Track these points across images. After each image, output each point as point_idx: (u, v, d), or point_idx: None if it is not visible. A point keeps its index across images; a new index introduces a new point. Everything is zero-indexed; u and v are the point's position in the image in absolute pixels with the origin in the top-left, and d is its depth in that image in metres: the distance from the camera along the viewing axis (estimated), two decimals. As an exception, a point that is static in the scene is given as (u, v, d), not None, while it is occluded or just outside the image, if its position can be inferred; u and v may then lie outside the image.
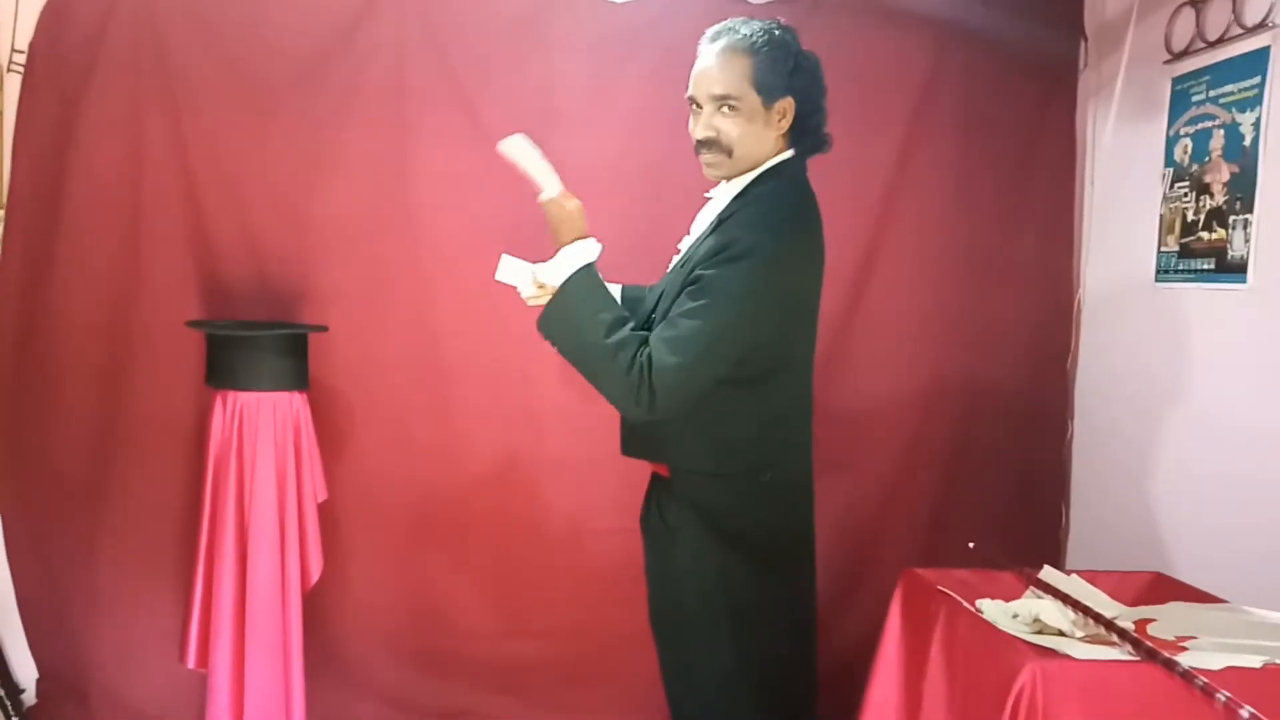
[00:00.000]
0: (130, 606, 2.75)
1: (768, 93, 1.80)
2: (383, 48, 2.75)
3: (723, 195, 1.91)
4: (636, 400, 1.73)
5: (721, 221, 1.83)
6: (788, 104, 1.82)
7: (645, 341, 1.75)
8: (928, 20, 2.83)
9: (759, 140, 1.84)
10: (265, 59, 2.71)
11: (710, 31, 1.86)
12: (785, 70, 1.80)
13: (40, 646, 2.77)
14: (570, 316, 1.80)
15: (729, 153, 1.83)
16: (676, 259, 1.95)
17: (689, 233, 1.98)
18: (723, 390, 1.79)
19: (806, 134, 1.86)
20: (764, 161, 1.85)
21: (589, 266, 1.81)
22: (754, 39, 1.80)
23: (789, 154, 1.86)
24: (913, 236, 2.91)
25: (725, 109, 1.81)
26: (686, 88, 1.88)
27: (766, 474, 1.86)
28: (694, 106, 1.87)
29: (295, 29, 2.72)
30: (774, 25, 1.83)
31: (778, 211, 1.79)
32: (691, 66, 1.86)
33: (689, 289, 1.76)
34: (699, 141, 1.86)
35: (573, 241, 1.83)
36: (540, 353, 2.74)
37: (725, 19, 1.88)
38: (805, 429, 1.96)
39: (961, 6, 2.83)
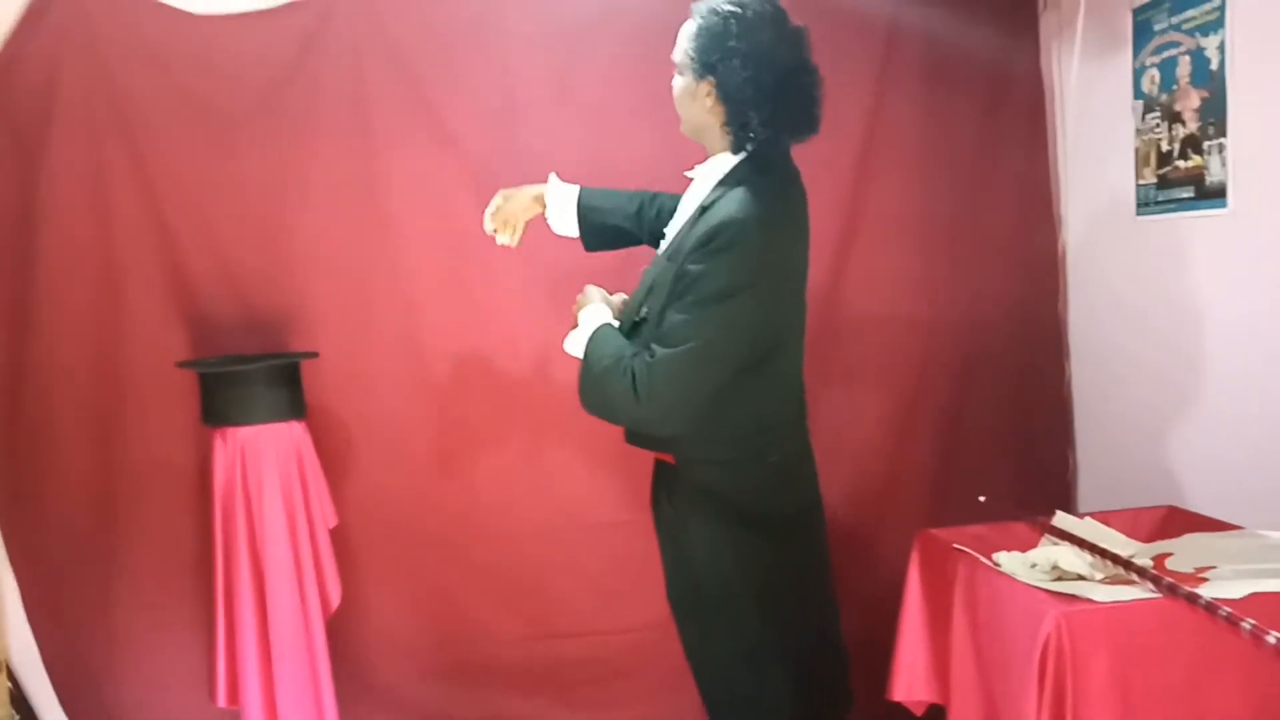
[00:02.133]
0: (152, 651, 2.75)
1: (691, 65, 1.83)
2: (339, 63, 2.71)
3: (704, 178, 1.91)
4: (636, 400, 1.74)
5: (704, 210, 1.82)
6: (709, 86, 1.80)
7: (639, 351, 1.78)
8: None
9: (695, 109, 1.85)
10: (221, 88, 2.67)
11: None
12: (709, 52, 1.79)
13: (72, 703, 2.76)
14: (589, 378, 1.85)
15: (683, 121, 1.91)
16: (664, 246, 1.95)
17: (673, 215, 2.00)
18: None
19: (743, 132, 1.80)
20: (711, 137, 1.86)
21: (596, 331, 1.89)
22: (706, 8, 1.81)
23: (736, 155, 1.84)
24: (889, 196, 2.90)
25: (677, 74, 1.88)
26: (646, 77, 1.89)
27: (774, 455, 1.88)
28: None
29: (248, 55, 2.68)
30: (744, 4, 1.78)
31: (759, 197, 1.77)
32: (648, 55, 1.87)
33: (679, 282, 1.76)
34: None
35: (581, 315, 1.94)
36: (529, 351, 2.79)
37: (683, 6, 1.88)
38: (800, 403, 1.98)
39: (916, -42, 2.81)
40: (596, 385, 1.83)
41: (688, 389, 1.75)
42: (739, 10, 1.78)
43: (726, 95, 1.78)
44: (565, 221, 2.24)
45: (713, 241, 1.73)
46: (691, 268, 1.74)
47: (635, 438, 1.98)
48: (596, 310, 1.95)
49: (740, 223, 1.73)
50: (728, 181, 1.83)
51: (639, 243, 2.25)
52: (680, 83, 1.88)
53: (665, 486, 1.99)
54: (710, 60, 1.78)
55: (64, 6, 2.58)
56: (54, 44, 2.59)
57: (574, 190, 2.23)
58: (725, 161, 1.86)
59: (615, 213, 2.20)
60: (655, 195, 2.22)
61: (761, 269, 1.75)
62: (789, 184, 1.88)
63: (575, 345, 1.93)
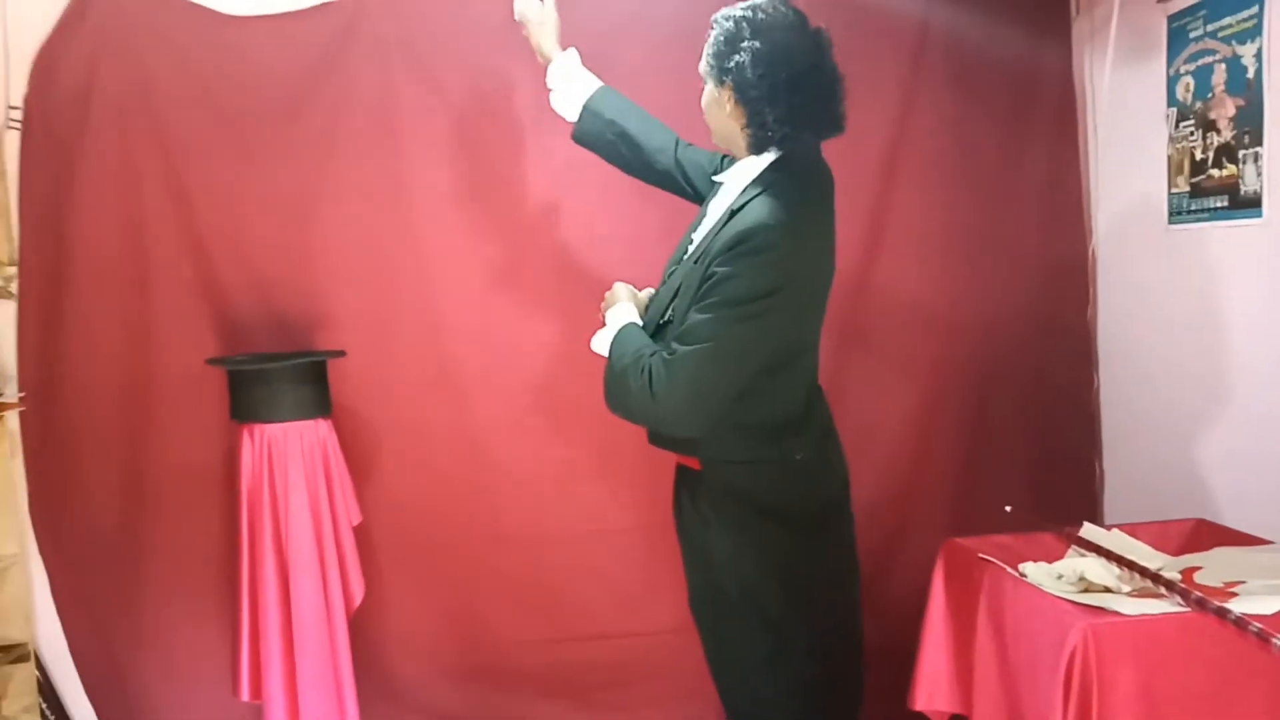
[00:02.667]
0: (178, 647, 2.78)
1: (711, 73, 1.85)
2: (366, 72, 2.74)
3: (733, 182, 1.91)
4: (652, 398, 1.75)
5: (734, 213, 1.82)
6: (728, 91, 1.82)
7: (658, 349, 1.79)
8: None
9: (721, 117, 1.87)
10: (250, 96, 2.70)
11: None
12: (725, 56, 1.81)
13: (98, 694, 2.80)
14: (613, 378, 1.87)
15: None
16: (691, 249, 1.95)
17: (702, 218, 2.00)
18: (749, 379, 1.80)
19: (762, 131, 1.80)
20: (737, 142, 1.88)
21: (621, 330, 1.90)
22: (723, 15, 1.83)
23: (766, 158, 1.85)
24: (918, 201, 2.88)
25: (705, 84, 1.90)
26: (670, 86, 1.90)
27: (799, 453, 1.88)
28: None
29: (276, 63, 2.71)
30: (757, 7, 1.81)
31: (788, 202, 1.78)
32: (671, 65, 1.89)
33: (705, 284, 1.77)
34: None
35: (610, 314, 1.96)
36: (550, 358, 2.79)
37: (707, 12, 1.90)
38: (820, 397, 1.99)
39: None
40: (618, 383, 1.83)
41: (704, 388, 1.74)
42: (750, 14, 1.81)
43: (743, 96, 1.79)
44: (565, 104, 2.30)
45: (741, 245, 1.73)
46: (718, 269, 1.74)
47: (659, 439, 1.98)
48: (623, 309, 1.95)
49: (768, 228, 1.73)
50: (756, 185, 1.83)
51: (629, 170, 2.28)
52: (706, 93, 1.90)
53: (687, 490, 1.99)
54: (726, 64, 1.81)
55: (101, 8, 2.62)
56: (92, 47, 2.63)
57: (594, 83, 2.27)
58: (753, 165, 1.87)
59: (660, 153, 2.20)
60: (689, 145, 2.22)
61: (787, 275, 1.75)
62: (817, 185, 1.88)
63: (601, 344, 1.94)
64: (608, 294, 2.04)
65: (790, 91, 1.77)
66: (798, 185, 1.82)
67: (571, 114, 2.29)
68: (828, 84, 1.83)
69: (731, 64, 1.79)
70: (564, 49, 2.32)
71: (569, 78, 2.29)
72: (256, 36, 2.70)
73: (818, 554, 1.92)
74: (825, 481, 1.96)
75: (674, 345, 1.75)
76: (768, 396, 1.84)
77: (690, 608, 2.05)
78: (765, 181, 1.82)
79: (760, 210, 1.76)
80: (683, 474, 2.01)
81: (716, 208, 1.94)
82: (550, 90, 2.33)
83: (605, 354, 1.92)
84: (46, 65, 2.64)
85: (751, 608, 1.89)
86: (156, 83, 2.67)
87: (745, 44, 1.77)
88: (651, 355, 1.78)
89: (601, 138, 2.25)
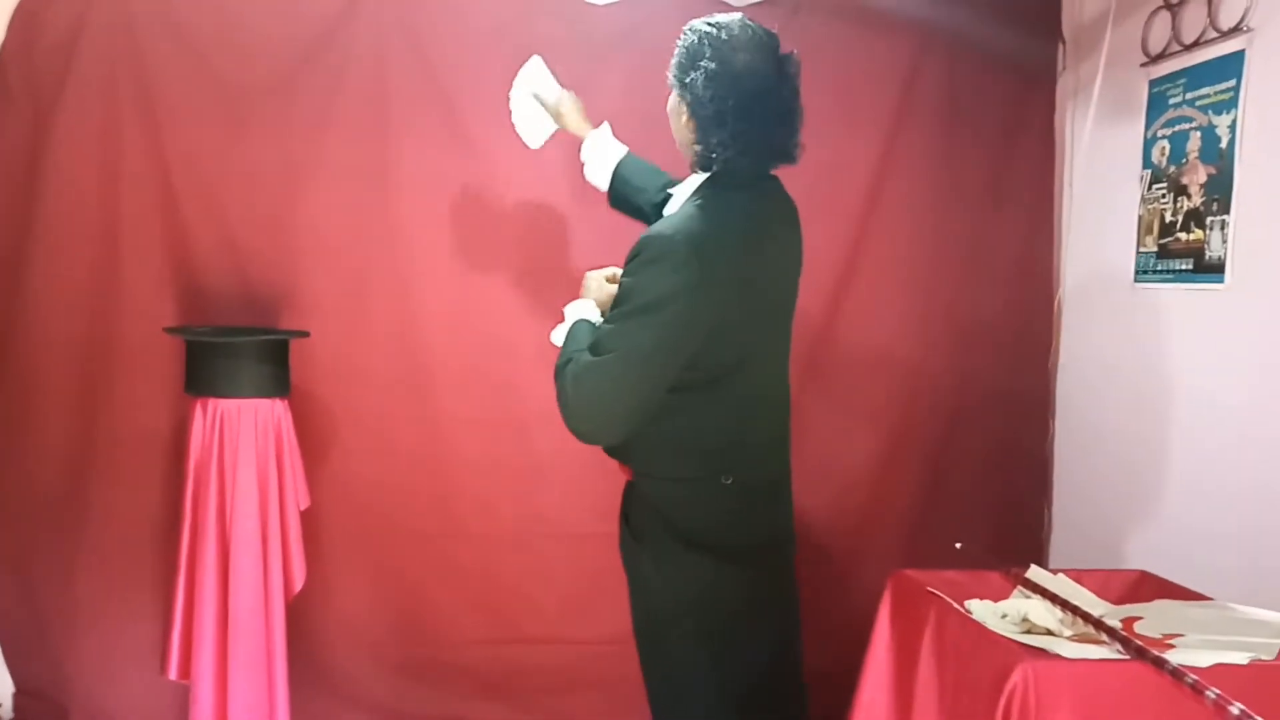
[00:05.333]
0: (109, 619, 2.71)
1: (673, 83, 1.85)
2: (362, 53, 2.72)
3: (678, 196, 1.91)
4: (562, 405, 1.75)
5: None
6: (684, 105, 1.82)
7: (576, 357, 1.78)
8: (908, 22, 2.85)
9: (678, 127, 1.87)
10: (243, 65, 2.68)
11: None
12: (682, 71, 1.81)
13: (17, 661, 2.73)
14: (556, 376, 1.83)
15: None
16: None
17: None
18: (674, 396, 1.77)
19: (705, 151, 1.79)
20: (689, 152, 1.86)
21: (573, 325, 1.89)
22: (690, 26, 1.82)
23: (705, 173, 1.84)
24: (895, 237, 2.93)
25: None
26: (663, 92, 1.90)
27: (728, 477, 1.83)
28: None
29: (273, 35, 2.69)
30: (723, 25, 1.79)
31: (702, 214, 1.77)
32: (666, 72, 1.90)
33: (619, 291, 1.78)
34: None
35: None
36: (522, 356, 2.78)
37: None
38: (769, 429, 1.93)
39: (941, 9, 2.85)
40: (557, 384, 1.80)
41: (608, 398, 1.72)
42: (715, 31, 1.78)
43: (694, 113, 1.79)
44: (598, 176, 2.29)
45: (640, 254, 1.74)
46: (624, 279, 1.76)
47: (608, 448, 1.94)
48: (580, 305, 1.93)
49: (665, 238, 1.73)
50: (691, 199, 1.83)
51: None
52: (670, 100, 1.90)
53: (628, 507, 1.97)
54: (684, 78, 1.80)
55: (92, -39, 2.58)
56: (80, 2, 2.58)
57: (620, 152, 2.26)
58: (694, 180, 1.87)
59: (642, 193, 2.20)
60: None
61: (688, 285, 1.70)
62: (750, 205, 1.83)
63: (557, 338, 1.92)
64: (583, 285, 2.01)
65: (737, 118, 1.74)
66: (724, 204, 1.78)
67: (604, 184, 2.28)
68: (781, 113, 1.80)
69: (689, 79, 1.78)
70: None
71: (601, 150, 2.28)
72: (257, 7, 2.67)
73: (744, 586, 1.86)
74: (761, 516, 1.91)
75: (585, 354, 1.75)
76: (696, 414, 1.81)
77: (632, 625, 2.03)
78: (696, 196, 1.83)
79: (666, 222, 1.79)
80: (627, 491, 1.99)
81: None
82: (584, 163, 2.32)
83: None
84: (30, 15, 2.59)
85: (677, 630, 1.86)
86: (148, 44, 2.63)
87: (703, 62, 1.76)
88: (568, 363, 1.77)
89: (630, 202, 2.24)
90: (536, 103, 2.39)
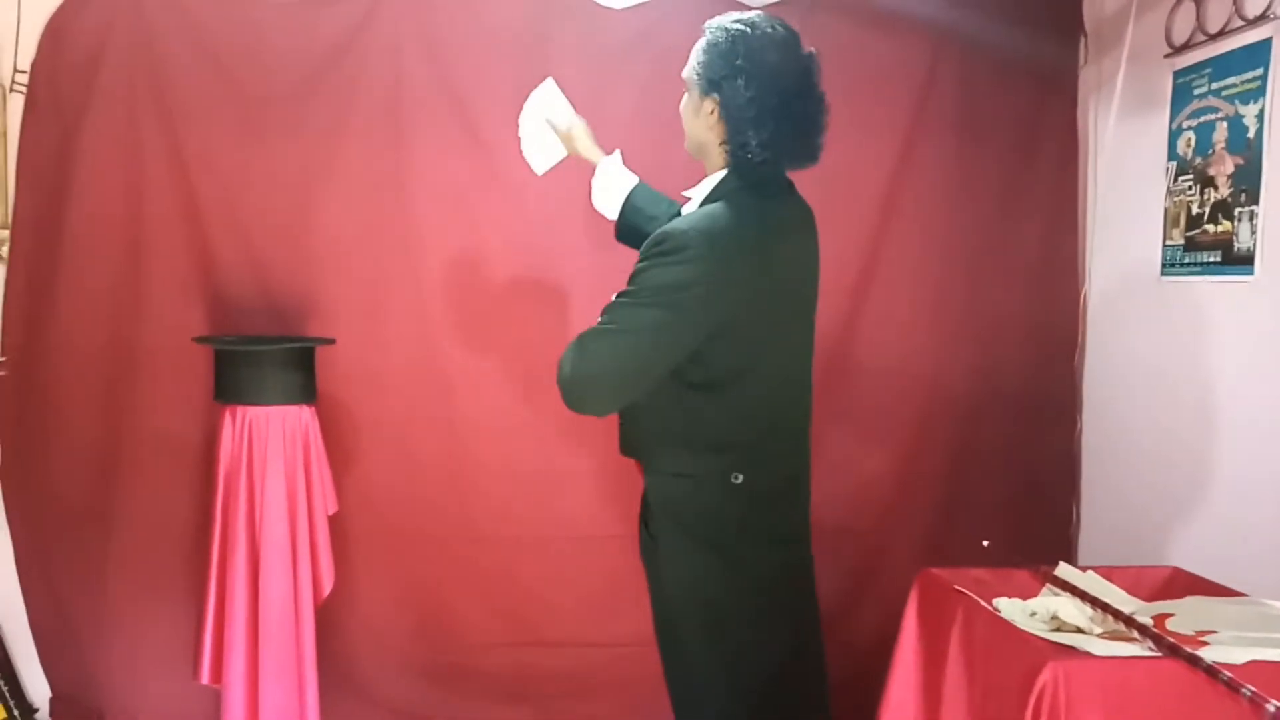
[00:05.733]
0: (142, 624, 2.75)
1: (697, 82, 1.83)
2: (380, 61, 2.75)
3: (697, 197, 1.91)
4: (567, 357, 1.76)
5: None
6: (713, 103, 1.80)
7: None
8: (926, 20, 2.83)
9: (699, 126, 1.86)
10: (262, 75, 2.71)
11: None
12: (715, 69, 1.78)
13: (53, 666, 2.77)
14: None
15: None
16: None
17: None
18: (686, 393, 1.80)
19: (741, 152, 1.78)
20: (710, 155, 1.86)
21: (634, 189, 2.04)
22: (716, 25, 1.81)
23: (723, 173, 1.84)
24: (917, 237, 2.91)
25: (687, 90, 1.87)
26: (678, 97, 1.90)
27: (737, 476, 1.82)
28: None
29: (292, 45, 2.72)
30: (753, 23, 1.78)
31: (723, 213, 1.78)
32: (680, 77, 1.90)
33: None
34: None
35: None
36: (540, 360, 2.78)
37: None
38: (785, 430, 1.91)
39: (959, 6, 2.83)
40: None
41: (607, 367, 1.74)
42: (747, 29, 1.77)
43: (729, 114, 1.77)
44: (608, 204, 2.20)
45: (656, 246, 1.75)
46: (639, 266, 1.76)
47: (622, 445, 1.96)
48: (612, 161, 2.06)
49: (683, 232, 1.73)
50: (716, 193, 1.83)
51: None
52: (687, 98, 1.88)
53: (647, 510, 1.97)
54: (715, 77, 1.78)
55: (117, -23, 2.62)
56: (104, 13, 2.64)
57: (631, 182, 2.17)
58: (714, 179, 1.86)
59: (655, 221, 2.13)
60: None
61: (703, 278, 1.71)
62: (769, 208, 1.83)
63: (609, 196, 2.11)
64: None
65: (777, 117, 1.75)
66: (744, 206, 1.78)
67: (612, 213, 2.19)
68: (814, 114, 1.80)
69: (720, 77, 1.77)
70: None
71: (614, 179, 2.21)
72: (275, 18, 2.71)
73: (757, 585, 1.86)
74: (774, 516, 1.89)
75: (581, 338, 1.76)
76: (706, 412, 1.82)
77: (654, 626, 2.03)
78: (717, 196, 1.82)
79: (687, 219, 1.79)
80: (646, 494, 1.97)
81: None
82: (592, 190, 2.24)
83: (614, 210, 2.07)
84: (57, 32, 2.64)
85: (695, 630, 1.86)
86: (168, 56, 2.67)
87: (739, 62, 1.75)
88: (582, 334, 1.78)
89: (640, 231, 2.14)
90: (547, 127, 2.31)
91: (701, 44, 1.83)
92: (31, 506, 2.74)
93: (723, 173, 1.84)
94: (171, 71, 2.68)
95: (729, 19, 1.81)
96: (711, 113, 1.81)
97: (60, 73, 2.65)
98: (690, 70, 1.85)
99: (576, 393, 1.76)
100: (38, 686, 2.78)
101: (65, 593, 2.75)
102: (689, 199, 1.95)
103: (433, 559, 2.84)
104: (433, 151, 2.78)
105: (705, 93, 1.81)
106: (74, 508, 2.73)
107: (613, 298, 1.77)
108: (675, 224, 1.78)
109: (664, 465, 1.88)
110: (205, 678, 2.58)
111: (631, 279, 1.76)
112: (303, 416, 2.59)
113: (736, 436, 1.84)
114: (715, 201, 1.81)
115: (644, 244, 1.78)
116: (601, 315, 1.76)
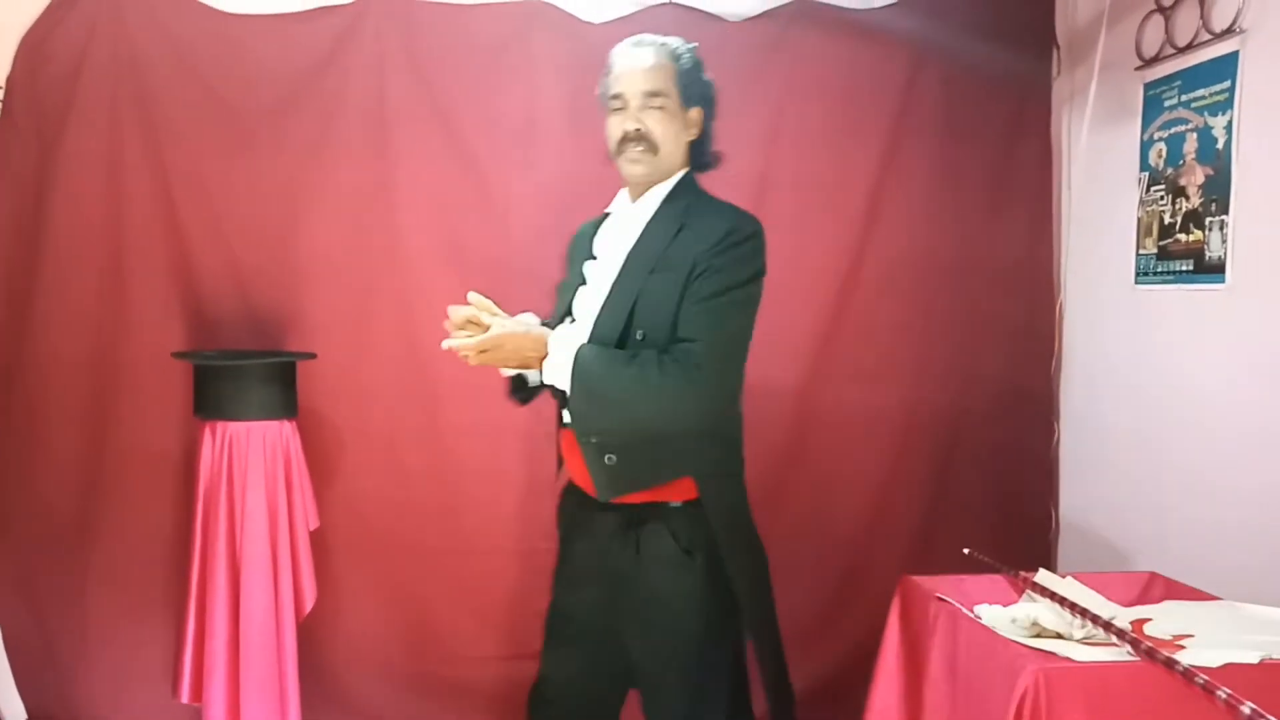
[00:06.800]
0: (120, 642, 2.72)
1: (686, 96, 1.91)
2: (362, 74, 2.75)
3: (643, 204, 1.92)
4: (692, 390, 1.74)
5: (682, 226, 1.86)
6: (698, 114, 1.93)
7: (661, 351, 1.78)
8: (903, 34, 2.87)
9: (677, 142, 1.92)
10: (244, 89, 2.71)
11: (631, 39, 1.94)
12: (701, 82, 1.94)
13: (28, 686, 2.73)
14: (598, 395, 1.78)
15: (655, 150, 1.88)
16: (624, 264, 1.89)
17: (593, 254, 1.99)
18: None
19: (704, 152, 1.97)
20: (676, 169, 1.93)
21: (579, 349, 1.79)
22: (677, 48, 1.93)
23: (684, 171, 1.95)
24: (895, 246, 2.94)
25: (653, 106, 1.88)
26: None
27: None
28: (616, 105, 1.90)
29: (274, 58, 2.72)
30: (691, 46, 1.95)
31: (734, 207, 1.92)
32: None
33: (694, 284, 1.80)
34: (626, 136, 1.89)
35: (543, 353, 1.84)
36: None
37: (702, 44, 1.97)
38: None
39: (935, 19, 2.87)
40: (612, 399, 1.75)
41: (731, 373, 1.85)
42: (690, 47, 1.95)
43: (709, 116, 1.96)
44: (559, 378, 1.85)
45: (728, 238, 1.82)
46: (715, 262, 1.80)
47: (621, 486, 1.85)
48: (568, 334, 1.86)
49: (746, 218, 1.88)
50: (680, 197, 1.91)
51: None
52: (666, 117, 1.88)
53: (664, 529, 1.87)
54: (695, 88, 1.93)
55: (95, -8, 2.61)
56: (83, 28, 2.63)
57: (570, 354, 1.81)
58: (664, 186, 1.93)
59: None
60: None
61: (763, 263, 1.88)
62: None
63: (558, 370, 1.80)
64: (498, 336, 1.82)
65: (713, 123, 1.99)
66: (726, 204, 1.93)
67: (565, 383, 1.84)
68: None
69: (699, 88, 1.93)
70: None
71: (561, 349, 1.86)
72: (256, 33, 2.71)
73: (755, 575, 1.95)
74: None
75: (690, 343, 1.76)
76: (735, 407, 1.92)
77: (637, 664, 1.93)
78: (691, 192, 1.93)
79: (729, 210, 1.90)
80: (631, 517, 1.87)
81: (633, 223, 1.93)
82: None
83: (565, 380, 1.78)
84: (34, 46, 2.63)
85: (716, 642, 1.88)
86: (149, 70, 2.66)
87: (703, 74, 1.94)
88: (662, 354, 1.75)
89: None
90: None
91: (677, 65, 1.91)
92: (7, 523, 2.70)
93: (683, 171, 1.95)
94: (153, 85, 2.67)
95: (678, 42, 1.94)
96: (696, 122, 1.94)
97: (38, 87, 2.63)
98: (668, 86, 1.89)
99: (708, 405, 1.81)
100: (12, 707, 2.74)
101: (43, 610, 2.72)
102: (610, 213, 2.01)
103: (418, 571, 2.82)
104: (416, 164, 2.78)
105: (689, 103, 1.93)
106: (52, 524, 2.70)
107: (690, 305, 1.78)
108: (733, 216, 1.87)
109: (718, 468, 1.89)
110: (185, 697, 2.55)
111: (714, 277, 1.78)
112: (283, 431, 2.58)
113: (738, 425, 1.95)
114: (698, 197, 1.93)
115: (711, 243, 1.81)
116: (699, 325, 1.77)
